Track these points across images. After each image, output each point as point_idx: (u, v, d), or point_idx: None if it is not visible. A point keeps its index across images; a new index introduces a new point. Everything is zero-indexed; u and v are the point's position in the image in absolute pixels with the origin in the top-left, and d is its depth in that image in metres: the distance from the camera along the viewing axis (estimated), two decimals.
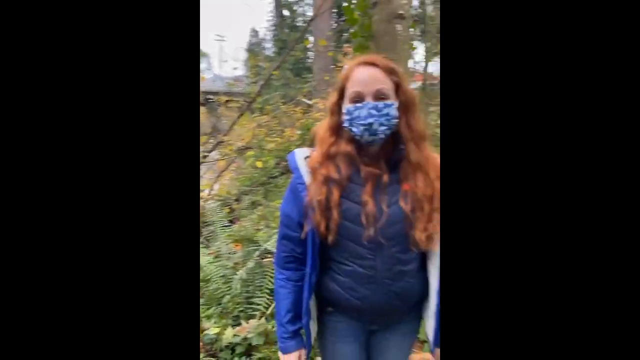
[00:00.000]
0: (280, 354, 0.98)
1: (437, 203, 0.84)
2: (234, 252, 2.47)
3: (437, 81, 6.75)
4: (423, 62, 3.96)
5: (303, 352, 0.97)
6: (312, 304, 0.96)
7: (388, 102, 0.83)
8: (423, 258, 0.93)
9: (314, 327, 0.98)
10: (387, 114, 0.82)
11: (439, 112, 4.77)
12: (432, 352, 0.99)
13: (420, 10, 4.33)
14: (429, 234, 0.83)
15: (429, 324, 0.96)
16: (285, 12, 12.66)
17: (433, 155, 0.90)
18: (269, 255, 2.29)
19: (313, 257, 0.90)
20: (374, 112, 0.81)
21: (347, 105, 0.85)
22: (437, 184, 0.85)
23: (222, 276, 2.04)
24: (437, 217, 0.84)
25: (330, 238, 0.85)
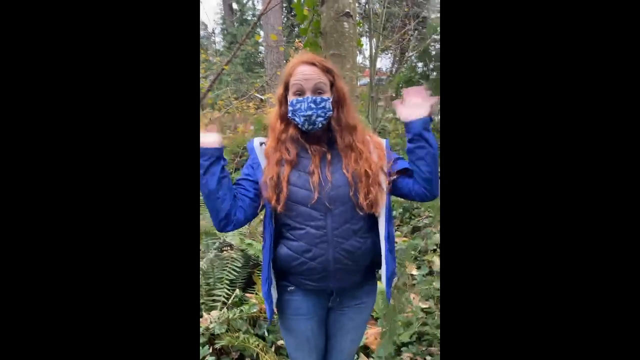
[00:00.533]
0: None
1: (377, 178, 0.98)
2: None
3: (385, 76, 7.04)
4: (372, 57, 4.13)
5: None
6: (273, 273, 1.05)
7: (325, 96, 0.97)
8: (372, 221, 1.04)
9: (274, 293, 1.06)
10: (324, 107, 0.96)
11: (386, 106, 4.99)
12: (387, 299, 1.12)
13: (367, 7, 4.50)
14: (370, 201, 0.97)
15: (383, 274, 1.06)
16: (235, 6, 12.42)
17: (372, 139, 1.05)
18: (228, 248, 2.33)
19: (270, 226, 1.01)
20: (312, 105, 0.95)
21: (290, 98, 0.98)
22: (379, 162, 1.00)
23: None
24: (377, 188, 0.98)
25: (279, 207, 0.96)
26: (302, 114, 0.95)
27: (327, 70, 0.99)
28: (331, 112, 0.99)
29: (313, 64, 0.98)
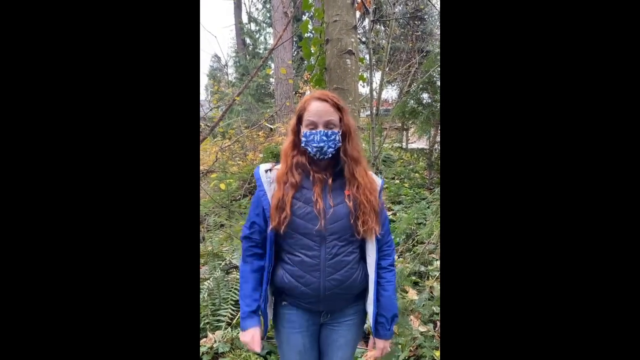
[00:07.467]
0: (240, 330, 1.16)
1: (375, 207, 1.09)
2: None
3: (391, 107, 7.26)
4: (377, 89, 4.32)
5: (257, 330, 1.13)
6: (269, 292, 1.15)
7: (335, 130, 1.08)
8: (363, 253, 1.13)
9: (270, 311, 1.17)
10: (334, 139, 1.07)
11: (387, 135, 5.13)
12: (372, 334, 1.19)
13: (374, 42, 4.74)
14: (367, 228, 1.07)
15: (369, 311, 1.15)
16: (247, 40, 13.02)
17: (369, 174, 1.15)
18: (234, 271, 2.41)
19: (270, 252, 1.11)
20: (324, 138, 1.06)
21: (304, 130, 1.09)
22: (371, 196, 1.09)
23: None
24: (374, 217, 1.08)
25: (282, 229, 1.05)
26: (314, 144, 1.06)
27: (337, 107, 1.09)
28: (340, 144, 1.09)
29: (325, 100, 1.08)
